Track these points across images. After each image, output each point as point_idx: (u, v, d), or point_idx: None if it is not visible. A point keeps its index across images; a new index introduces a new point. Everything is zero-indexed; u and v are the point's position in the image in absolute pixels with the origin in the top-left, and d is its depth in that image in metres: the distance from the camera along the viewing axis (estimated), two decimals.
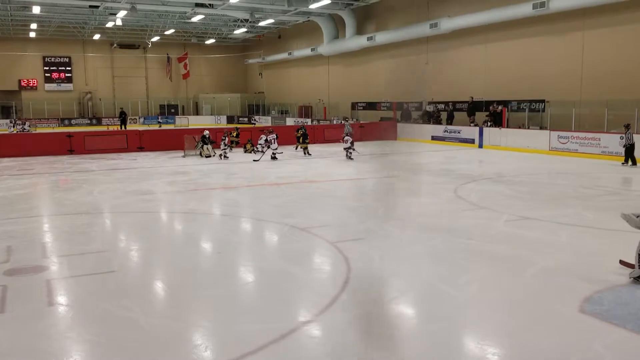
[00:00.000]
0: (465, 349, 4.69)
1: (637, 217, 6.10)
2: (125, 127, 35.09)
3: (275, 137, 19.31)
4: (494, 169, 16.18)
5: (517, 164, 17.40)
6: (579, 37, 20.56)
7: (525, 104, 22.06)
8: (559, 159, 18.61)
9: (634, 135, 16.32)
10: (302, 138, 20.92)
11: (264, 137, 20.06)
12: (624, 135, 16.51)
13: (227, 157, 19.51)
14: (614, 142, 17.75)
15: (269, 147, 19.21)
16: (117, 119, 38.78)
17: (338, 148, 23.21)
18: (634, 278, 5.99)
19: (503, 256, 7.15)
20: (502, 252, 7.35)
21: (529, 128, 21.56)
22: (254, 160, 18.68)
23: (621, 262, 6.50)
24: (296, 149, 21.69)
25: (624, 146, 16.54)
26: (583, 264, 6.77)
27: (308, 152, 20.54)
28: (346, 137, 19.14)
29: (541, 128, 21.00)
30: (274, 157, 18.93)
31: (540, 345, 4.62)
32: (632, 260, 6.17)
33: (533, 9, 20.68)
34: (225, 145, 19.82)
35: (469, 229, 8.63)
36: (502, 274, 6.51)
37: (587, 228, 8.73)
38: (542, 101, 21.35)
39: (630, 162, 16.13)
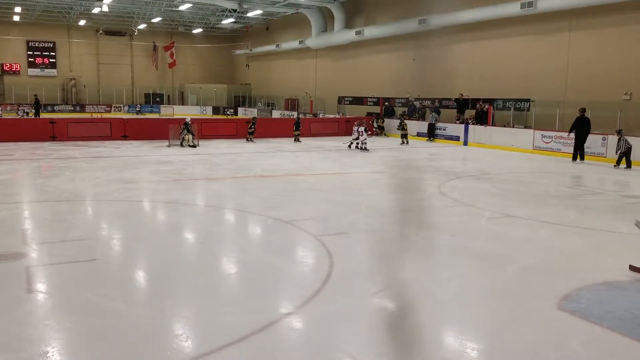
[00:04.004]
0: (445, 343, 4.74)
1: None
2: (39, 116, 32.15)
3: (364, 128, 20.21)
4: (478, 166, 16.29)
5: (501, 162, 17.55)
6: (565, 38, 20.74)
7: (510, 102, 22.23)
8: (542, 158, 18.80)
9: (611, 137, 16.52)
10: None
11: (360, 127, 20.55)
12: (617, 142, 16.10)
13: (368, 150, 19.55)
14: (596, 142, 17.95)
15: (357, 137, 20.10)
16: (31, 106, 34.97)
17: (325, 142, 23.27)
18: None
19: (484, 253, 7.21)
20: (484, 249, 7.41)
21: (513, 127, 21.74)
22: (344, 143, 20.44)
23: (631, 267, 6.34)
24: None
25: (621, 152, 15.95)
26: (562, 262, 6.85)
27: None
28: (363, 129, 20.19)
29: (526, 127, 21.18)
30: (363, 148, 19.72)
31: (519, 341, 4.68)
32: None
33: (521, 8, 20.84)
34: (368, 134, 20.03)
35: (452, 225, 8.69)
36: (483, 270, 6.57)
37: (567, 227, 8.84)
38: (528, 100, 21.53)
39: (625, 165, 15.94)
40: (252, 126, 22.80)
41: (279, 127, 25.35)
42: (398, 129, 23.11)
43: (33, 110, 34.32)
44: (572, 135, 17.53)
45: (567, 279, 6.15)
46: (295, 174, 14.10)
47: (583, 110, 17.37)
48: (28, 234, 7.85)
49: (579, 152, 17.55)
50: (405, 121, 23.45)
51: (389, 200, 10.88)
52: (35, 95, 36.34)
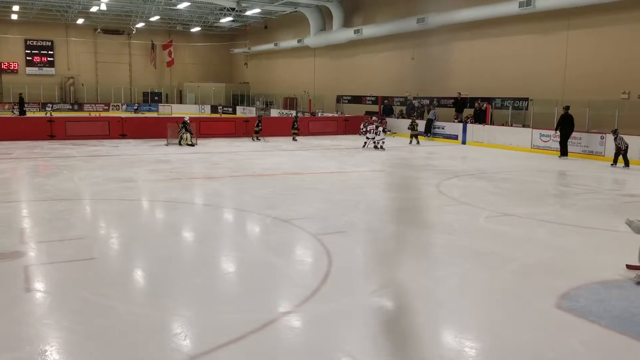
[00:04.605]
0: (443, 341, 4.74)
1: None
2: (24, 114, 31.84)
3: (375, 126, 20.54)
4: (476, 165, 16.30)
5: (499, 160, 17.56)
6: (563, 36, 20.74)
7: (509, 101, 22.24)
8: (540, 156, 18.83)
9: (609, 136, 16.66)
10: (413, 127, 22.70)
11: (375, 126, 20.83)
12: (614, 141, 16.03)
13: (384, 149, 19.60)
14: (594, 141, 17.98)
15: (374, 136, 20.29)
16: (16, 105, 35.13)
17: (324, 141, 23.28)
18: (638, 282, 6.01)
19: (482, 251, 7.22)
20: (482, 247, 7.42)
21: (512, 125, 21.75)
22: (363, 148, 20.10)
23: (628, 266, 6.34)
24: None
25: (620, 151, 15.90)
26: (561, 261, 6.86)
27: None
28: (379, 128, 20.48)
29: (524, 126, 21.19)
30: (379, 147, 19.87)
31: (517, 340, 4.69)
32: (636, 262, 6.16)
33: (519, 7, 20.83)
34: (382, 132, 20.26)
35: (450, 224, 8.69)
36: (481, 269, 6.58)
37: (565, 225, 8.84)
38: (526, 99, 21.53)
39: (623, 164, 15.94)
40: (259, 124, 22.82)
41: (278, 126, 25.33)
42: (409, 129, 22.99)
43: (17, 109, 34.40)
44: (558, 132, 18.27)
45: (566, 278, 6.15)
46: (294, 173, 14.09)
47: (567, 108, 18.02)
48: (26, 232, 7.84)
49: (562, 147, 18.38)
50: (417, 121, 23.36)
51: (387, 199, 10.89)
52: (20, 94, 36.27)
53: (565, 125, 18.10)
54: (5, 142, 19.51)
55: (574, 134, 18.61)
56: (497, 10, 22.08)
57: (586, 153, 18.16)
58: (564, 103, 19.80)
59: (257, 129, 22.72)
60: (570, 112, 17.98)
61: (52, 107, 39.58)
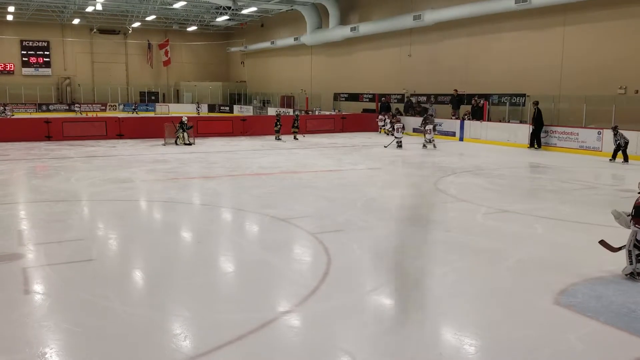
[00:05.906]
0: (442, 339, 4.75)
1: (628, 215, 6.15)
2: None
3: (401, 125, 20.56)
4: (474, 162, 16.31)
5: (497, 157, 17.58)
6: (559, 32, 20.76)
7: (506, 97, 22.26)
8: (537, 152, 18.85)
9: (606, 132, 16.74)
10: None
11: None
12: (614, 137, 16.01)
13: (401, 146, 19.50)
14: (591, 136, 18.01)
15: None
16: None
17: (322, 139, 23.26)
18: (627, 274, 6.03)
19: (480, 248, 7.23)
20: (480, 244, 7.43)
21: (509, 122, 21.77)
22: (385, 146, 19.77)
23: (601, 242, 6.28)
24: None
25: (620, 147, 15.91)
26: (558, 257, 6.88)
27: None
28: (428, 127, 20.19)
29: (521, 122, 21.23)
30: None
31: (516, 336, 4.70)
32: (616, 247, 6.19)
33: (515, 3, 20.82)
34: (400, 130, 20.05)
35: (448, 220, 8.71)
36: (479, 265, 6.59)
37: (563, 221, 8.85)
38: (523, 95, 21.56)
39: (622, 159, 15.92)
40: (278, 123, 22.39)
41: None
42: (421, 127, 22.80)
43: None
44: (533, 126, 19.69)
45: (564, 274, 6.17)
46: (292, 172, 14.09)
47: (536, 103, 19.44)
48: (24, 234, 7.82)
49: (535, 140, 19.60)
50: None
51: (385, 197, 10.90)
52: None
53: (537, 120, 19.35)
54: (2, 143, 19.46)
55: (570, 129, 18.71)
56: (493, 7, 22.08)
57: (583, 149, 18.19)
58: (561, 99, 19.88)
59: (277, 128, 22.35)
60: (566, 107, 18.10)
61: (81, 107, 40.77)
